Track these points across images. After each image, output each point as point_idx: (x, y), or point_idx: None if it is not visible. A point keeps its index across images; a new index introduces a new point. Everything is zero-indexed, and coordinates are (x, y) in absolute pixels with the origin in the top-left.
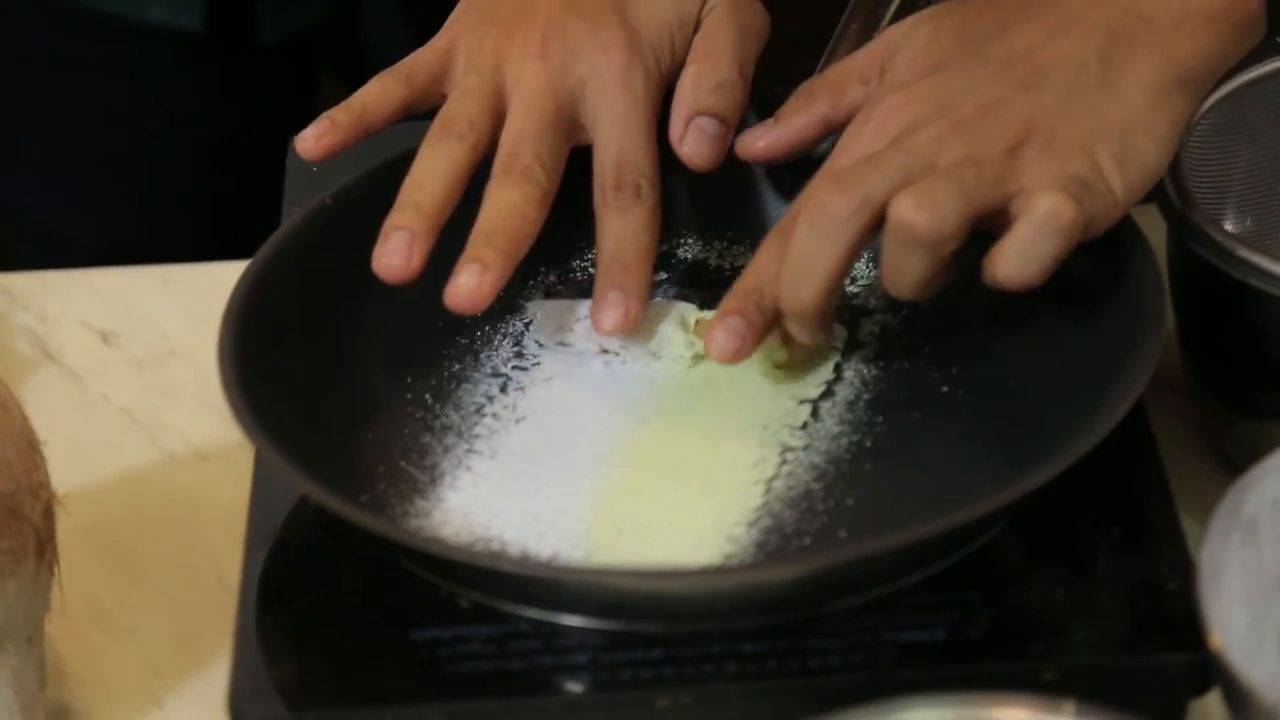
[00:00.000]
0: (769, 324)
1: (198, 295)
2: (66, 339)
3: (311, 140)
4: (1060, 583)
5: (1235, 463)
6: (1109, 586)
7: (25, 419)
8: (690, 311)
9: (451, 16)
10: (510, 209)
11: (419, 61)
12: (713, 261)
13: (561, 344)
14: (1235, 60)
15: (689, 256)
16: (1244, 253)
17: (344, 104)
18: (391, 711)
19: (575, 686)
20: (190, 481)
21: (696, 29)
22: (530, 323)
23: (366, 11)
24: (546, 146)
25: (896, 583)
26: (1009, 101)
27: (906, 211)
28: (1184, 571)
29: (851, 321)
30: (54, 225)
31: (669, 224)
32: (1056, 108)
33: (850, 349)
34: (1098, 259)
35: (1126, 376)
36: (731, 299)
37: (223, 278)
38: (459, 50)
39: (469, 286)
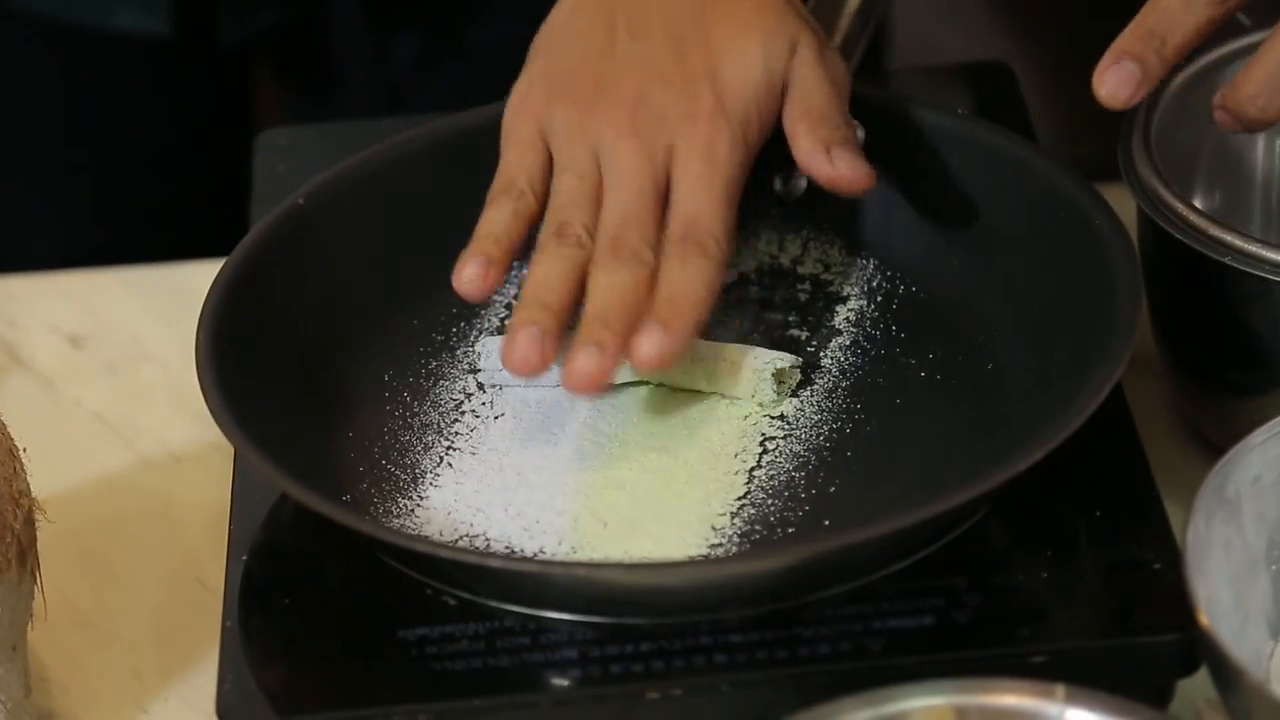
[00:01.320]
0: (1163, 76)
1: (165, 297)
2: (36, 344)
3: (478, 280)
4: (1045, 566)
5: (1210, 440)
6: (1094, 569)
7: (3, 426)
8: (781, 360)
9: (519, 92)
10: (623, 291)
11: (522, 166)
12: None
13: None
14: None
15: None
16: (1218, 232)
17: (483, 236)
18: (381, 713)
19: (564, 682)
20: (166, 484)
21: (783, 90)
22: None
23: (333, 10)
24: (650, 227)
25: (883, 570)
26: None
27: None
28: (1168, 552)
29: (827, 309)
30: (2, 237)
31: None
32: None
33: (827, 337)
34: (1074, 241)
35: (1105, 359)
36: (1128, 38)
37: (189, 279)
38: (552, 138)
39: (588, 369)
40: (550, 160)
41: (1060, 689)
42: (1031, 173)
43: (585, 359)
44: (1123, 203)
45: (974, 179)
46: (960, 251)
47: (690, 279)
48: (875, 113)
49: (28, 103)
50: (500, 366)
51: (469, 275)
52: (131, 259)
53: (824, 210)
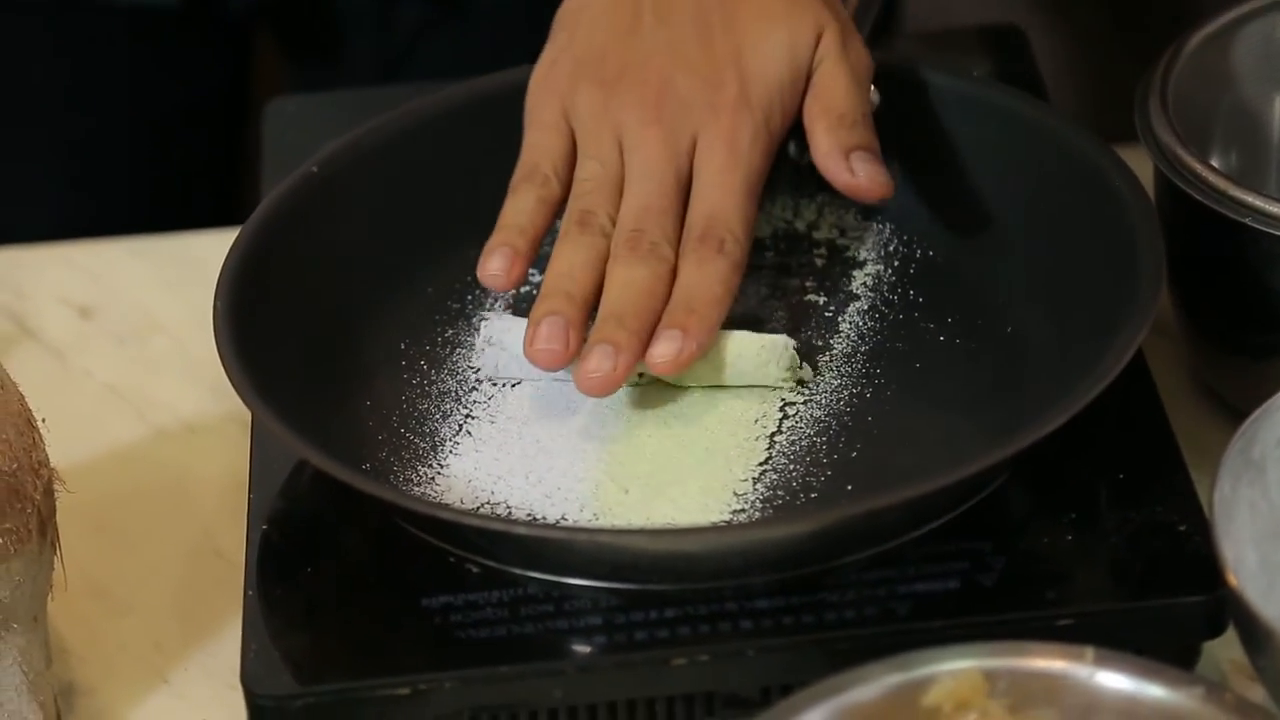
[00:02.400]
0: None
1: (173, 267)
2: (44, 315)
3: (504, 274)
4: (1069, 529)
5: (1228, 403)
6: (1119, 531)
7: (21, 397)
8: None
9: (543, 68)
10: (640, 288)
11: (546, 150)
12: None
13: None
14: None
15: None
16: (1239, 193)
17: (508, 226)
18: (406, 681)
19: (590, 649)
20: (180, 454)
21: (807, 80)
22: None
23: None
24: (671, 219)
25: (907, 534)
26: None
27: None
28: (1192, 514)
29: (844, 274)
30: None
31: None
32: None
33: (845, 302)
34: (1092, 204)
35: (1128, 320)
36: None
37: (197, 248)
38: (576, 120)
39: (603, 370)
40: (573, 144)
41: (1089, 652)
42: (1048, 135)
43: (600, 359)
44: (1137, 166)
45: (989, 142)
46: (976, 215)
47: (708, 279)
48: (890, 77)
49: (29, 75)
50: (505, 358)
51: (495, 268)
52: (131, 230)
53: None
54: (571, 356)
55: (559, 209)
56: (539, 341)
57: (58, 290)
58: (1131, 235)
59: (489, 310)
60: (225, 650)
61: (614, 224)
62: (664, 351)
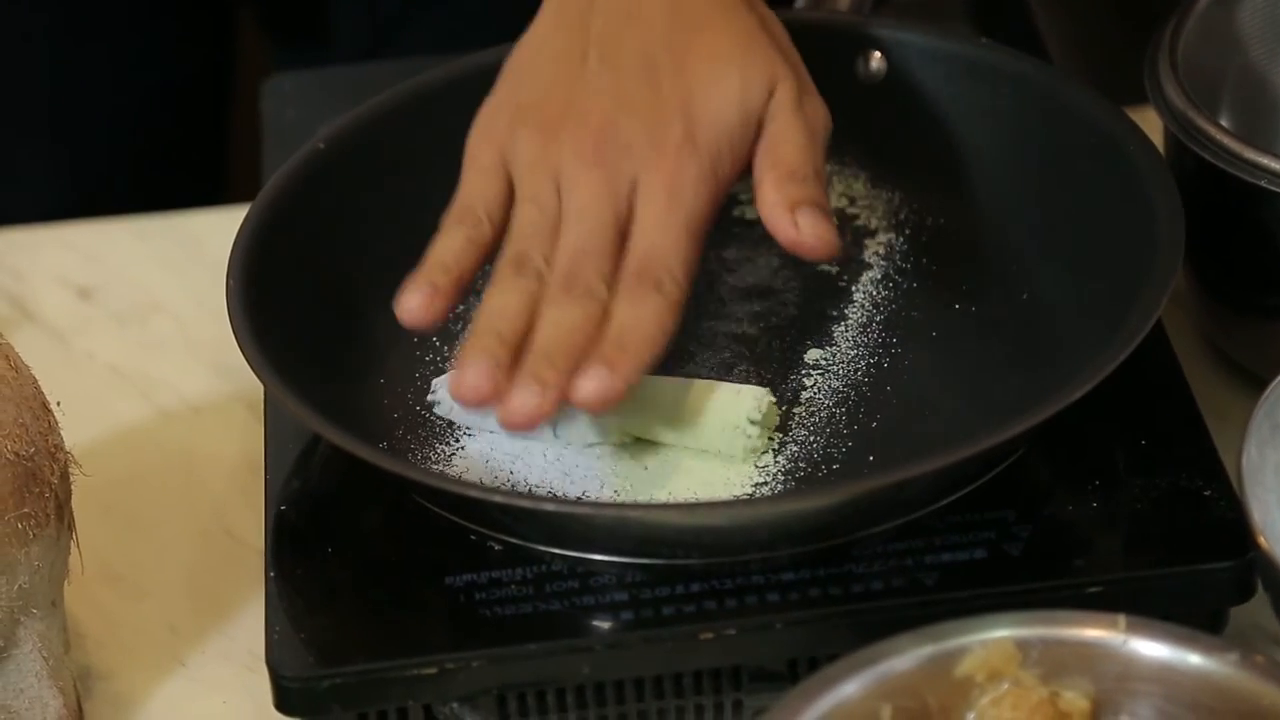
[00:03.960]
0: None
1: (171, 246)
2: (43, 297)
3: (421, 310)
4: (1094, 496)
5: (1242, 367)
6: (1144, 497)
7: (35, 381)
8: (761, 397)
9: (485, 115)
10: (571, 327)
11: (480, 193)
12: None
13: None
14: None
15: None
16: (1253, 154)
17: (432, 264)
18: (434, 660)
19: (617, 625)
20: (186, 435)
21: (758, 130)
22: None
23: None
24: (607, 261)
25: (932, 504)
26: None
27: None
28: (1217, 478)
29: (855, 243)
30: None
31: None
32: None
33: (857, 271)
34: (1105, 167)
35: (1149, 285)
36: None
37: (194, 227)
38: (514, 165)
39: (528, 406)
40: (510, 189)
41: (1122, 619)
42: (1059, 100)
43: (525, 395)
44: (1144, 128)
45: (999, 109)
46: (986, 182)
47: (642, 317)
48: (897, 44)
49: (11, 55)
50: (456, 406)
51: (412, 304)
52: (117, 210)
53: (847, 143)
54: (498, 396)
55: (489, 252)
56: (466, 379)
57: (55, 272)
58: (1148, 200)
59: None
60: (241, 632)
61: (549, 266)
62: (590, 387)
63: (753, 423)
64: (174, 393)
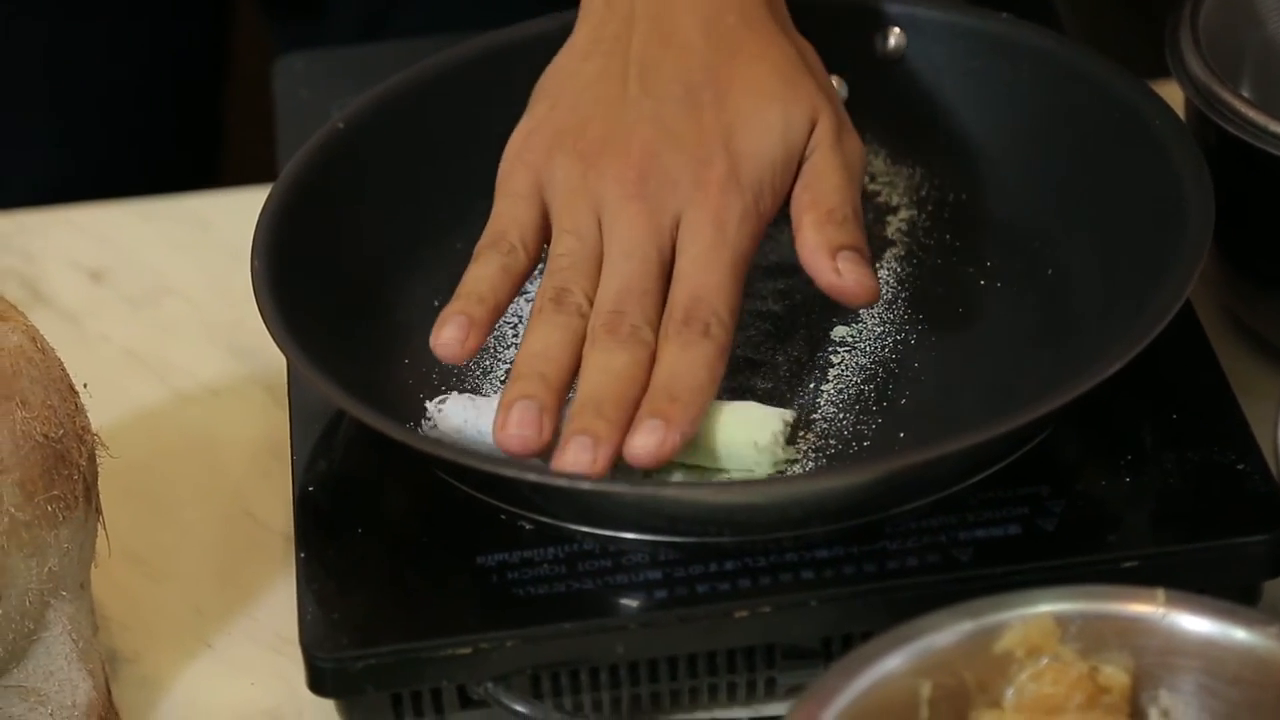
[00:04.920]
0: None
1: (179, 228)
2: (56, 279)
3: (457, 344)
4: (1127, 471)
5: (1267, 341)
6: (1177, 472)
7: (61, 363)
8: (781, 416)
9: (519, 137)
10: (619, 374)
11: (515, 220)
12: None
13: None
14: None
15: None
16: (1277, 127)
17: (467, 294)
18: (468, 640)
19: (651, 603)
20: (204, 417)
21: (799, 164)
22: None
23: None
24: (652, 301)
25: (965, 481)
26: None
27: None
28: (1250, 452)
29: (877, 220)
30: None
31: None
32: None
33: (881, 248)
34: (1129, 142)
35: (1178, 260)
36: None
37: (203, 210)
38: (551, 192)
39: (583, 463)
40: (545, 215)
41: (1160, 594)
42: (1078, 73)
43: (578, 451)
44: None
45: (1018, 82)
46: (1008, 157)
47: (692, 365)
48: (915, 19)
49: (7, 36)
50: (467, 430)
51: (448, 337)
52: (117, 192)
53: (867, 120)
54: (545, 443)
55: (523, 281)
56: (510, 426)
57: (66, 254)
58: (1175, 174)
59: None
60: (267, 613)
61: (591, 303)
62: (645, 443)
63: (778, 444)
64: (191, 376)
